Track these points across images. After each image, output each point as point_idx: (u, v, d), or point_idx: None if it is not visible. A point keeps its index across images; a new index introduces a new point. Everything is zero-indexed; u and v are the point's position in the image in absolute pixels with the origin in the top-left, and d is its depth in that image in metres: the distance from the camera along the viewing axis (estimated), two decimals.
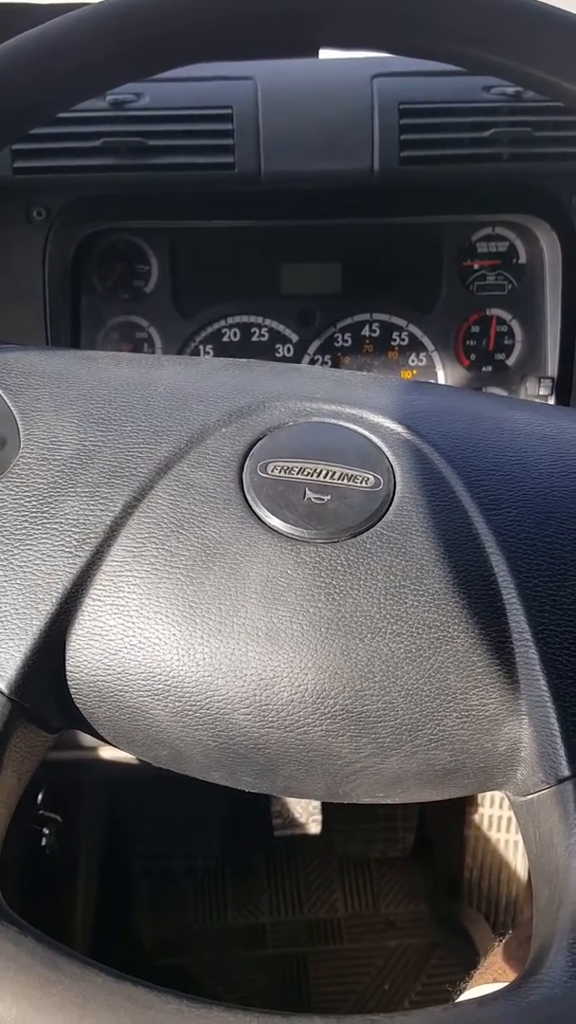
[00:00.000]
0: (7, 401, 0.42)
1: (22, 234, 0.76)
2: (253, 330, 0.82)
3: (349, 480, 0.40)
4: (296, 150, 0.74)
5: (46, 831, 1.03)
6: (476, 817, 1.31)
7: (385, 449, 0.41)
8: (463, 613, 0.37)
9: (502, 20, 0.45)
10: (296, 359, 0.83)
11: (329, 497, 0.40)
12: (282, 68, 0.77)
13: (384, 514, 0.39)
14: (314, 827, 1.30)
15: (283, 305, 0.82)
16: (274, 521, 0.39)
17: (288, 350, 0.83)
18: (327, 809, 1.31)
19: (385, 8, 0.46)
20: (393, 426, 0.42)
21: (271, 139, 0.74)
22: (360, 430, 0.42)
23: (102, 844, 1.32)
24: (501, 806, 1.30)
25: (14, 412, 0.42)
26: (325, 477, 0.40)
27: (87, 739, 0.42)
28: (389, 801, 0.40)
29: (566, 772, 0.35)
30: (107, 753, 0.93)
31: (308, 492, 0.40)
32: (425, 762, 0.37)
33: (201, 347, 0.82)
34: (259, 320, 0.82)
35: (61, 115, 0.62)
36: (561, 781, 0.35)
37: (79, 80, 0.47)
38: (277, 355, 0.83)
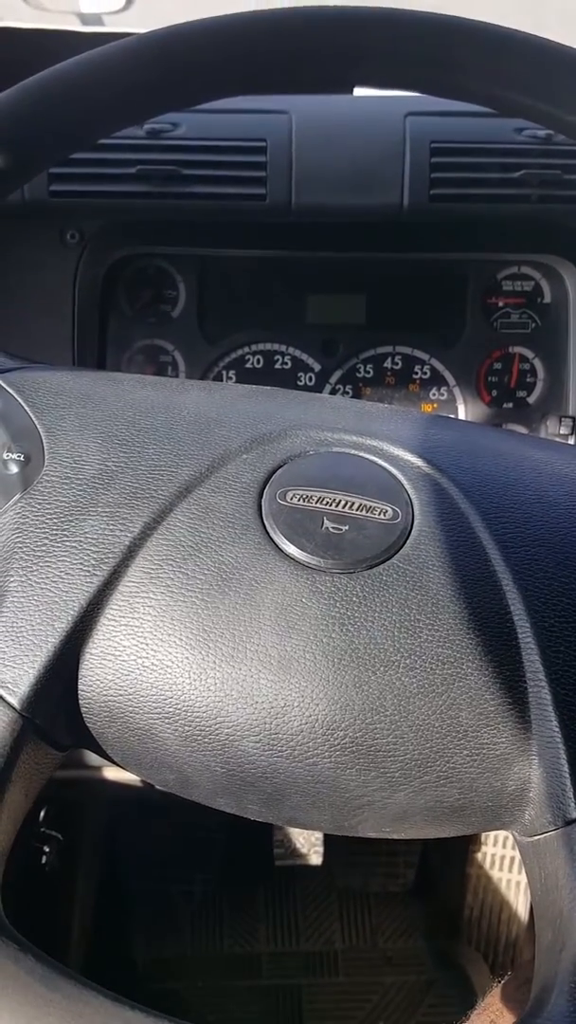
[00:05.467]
0: (33, 419, 0.43)
1: (55, 256, 0.77)
2: (276, 358, 0.83)
3: (368, 511, 0.40)
4: (327, 184, 0.75)
5: (46, 848, 1.03)
6: (479, 855, 1.29)
7: (405, 482, 0.41)
8: (477, 650, 0.37)
9: (538, 65, 0.46)
10: (318, 388, 0.83)
11: (347, 527, 0.40)
12: (317, 103, 0.78)
13: (401, 547, 0.39)
14: (315, 858, 1.29)
15: (307, 334, 0.83)
16: (291, 549, 0.39)
17: (310, 379, 0.83)
18: (328, 841, 1.30)
19: (420, 50, 0.47)
20: (413, 459, 0.42)
21: (303, 173, 0.75)
22: (380, 462, 0.42)
23: (101, 864, 1.31)
24: (504, 845, 1.28)
25: (40, 430, 0.42)
26: (344, 507, 0.40)
27: (92, 758, 0.42)
28: (395, 836, 0.40)
29: (574, 815, 0.35)
30: (111, 774, 0.93)
31: (326, 521, 0.40)
32: (433, 798, 0.37)
33: (224, 372, 0.83)
34: (282, 348, 0.83)
35: (98, 142, 0.63)
36: (568, 823, 0.35)
37: (121, 107, 0.48)
38: (299, 383, 0.83)
